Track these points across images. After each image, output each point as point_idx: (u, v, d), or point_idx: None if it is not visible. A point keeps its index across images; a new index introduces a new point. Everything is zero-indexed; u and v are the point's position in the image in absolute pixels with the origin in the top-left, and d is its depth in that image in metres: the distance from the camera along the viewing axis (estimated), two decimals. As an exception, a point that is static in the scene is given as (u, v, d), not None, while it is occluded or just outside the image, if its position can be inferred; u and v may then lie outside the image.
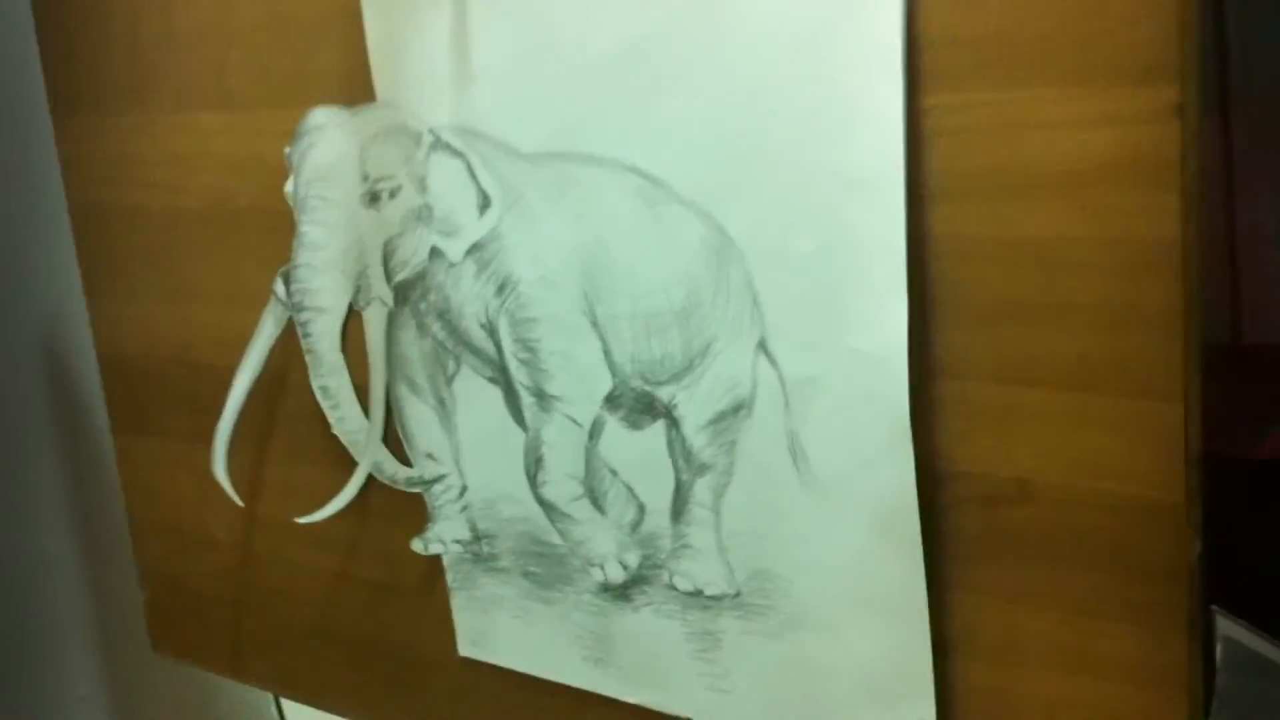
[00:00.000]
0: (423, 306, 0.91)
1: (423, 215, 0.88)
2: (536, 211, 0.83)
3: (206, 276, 1.06)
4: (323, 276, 0.88)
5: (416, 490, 0.95)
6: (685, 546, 0.83)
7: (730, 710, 0.84)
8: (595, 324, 0.82)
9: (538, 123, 0.82)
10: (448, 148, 0.86)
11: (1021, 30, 0.64)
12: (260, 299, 0.93)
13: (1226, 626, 0.71)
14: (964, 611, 0.74)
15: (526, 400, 0.87)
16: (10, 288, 1.30)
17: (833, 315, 0.72)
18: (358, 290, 0.89)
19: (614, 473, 0.86)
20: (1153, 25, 0.60)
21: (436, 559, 0.97)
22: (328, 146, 0.88)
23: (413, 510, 0.96)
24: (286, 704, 1.53)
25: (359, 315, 0.91)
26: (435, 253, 0.88)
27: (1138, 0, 0.60)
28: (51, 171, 1.16)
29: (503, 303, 0.86)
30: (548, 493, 0.88)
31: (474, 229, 0.86)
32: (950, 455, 0.72)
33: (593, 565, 0.88)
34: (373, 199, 0.87)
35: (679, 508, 0.83)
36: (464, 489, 0.94)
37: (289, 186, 0.90)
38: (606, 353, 0.83)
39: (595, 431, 0.85)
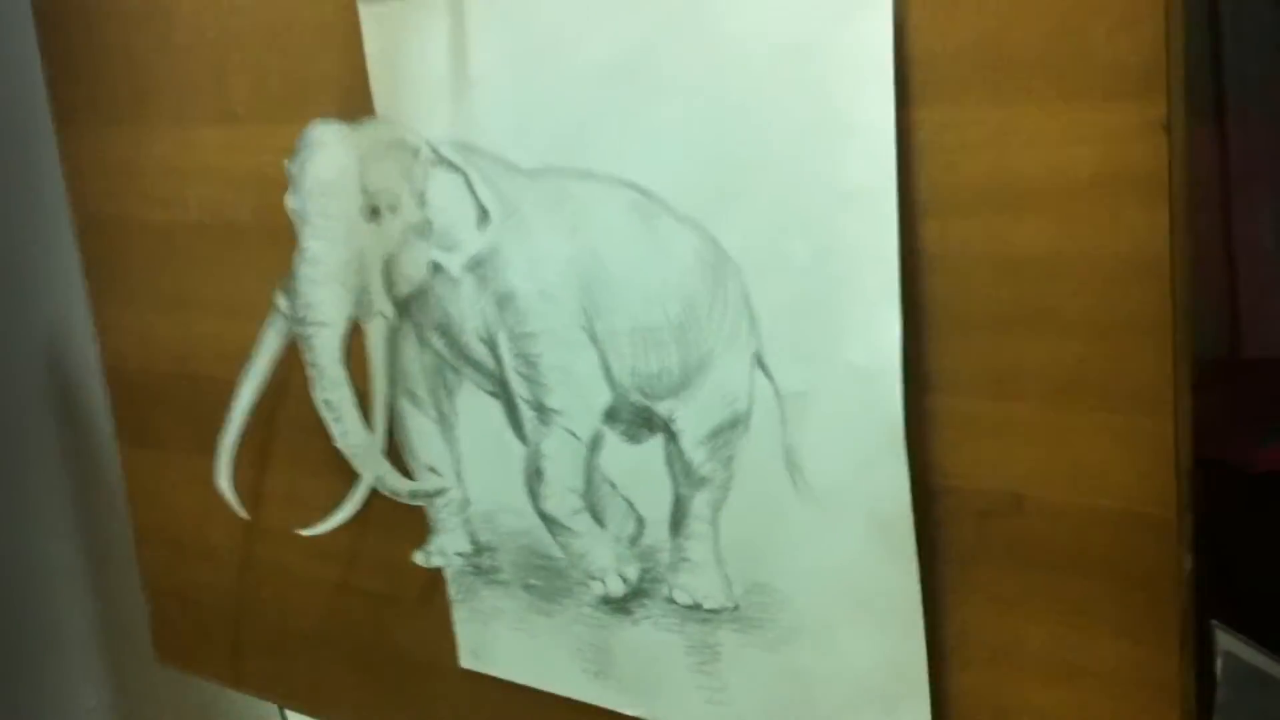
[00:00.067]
0: (424, 320, 0.92)
1: (422, 230, 0.89)
2: (534, 226, 0.84)
3: (207, 288, 1.07)
4: (324, 290, 0.89)
5: (418, 503, 0.96)
6: (684, 560, 0.84)
7: (728, 722, 0.85)
8: (594, 338, 0.83)
9: (533, 136, 0.82)
10: (446, 163, 0.86)
11: (1010, 46, 0.64)
12: (260, 311, 0.94)
13: (1226, 640, 0.71)
14: (959, 621, 0.74)
15: (527, 414, 0.88)
16: (15, 297, 1.31)
17: (827, 328, 0.73)
18: (359, 304, 0.90)
19: (613, 486, 0.86)
20: (1139, 42, 0.60)
21: (437, 570, 0.97)
22: (328, 161, 0.88)
23: (414, 522, 0.97)
24: (292, 715, 1.53)
25: (361, 329, 0.91)
26: (435, 267, 0.89)
27: (1125, 17, 0.61)
28: (56, 181, 1.16)
29: (502, 317, 0.87)
30: (548, 506, 0.89)
31: (473, 244, 0.86)
32: (944, 467, 0.72)
33: (593, 578, 0.88)
34: (373, 213, 0.88)
35: (678, 521, 0.83)
36: (465, 501, 0.94)
37: (290, 200, 0.91)
38: (605, 367, 0.83)
39: (595, 445, 0.86)
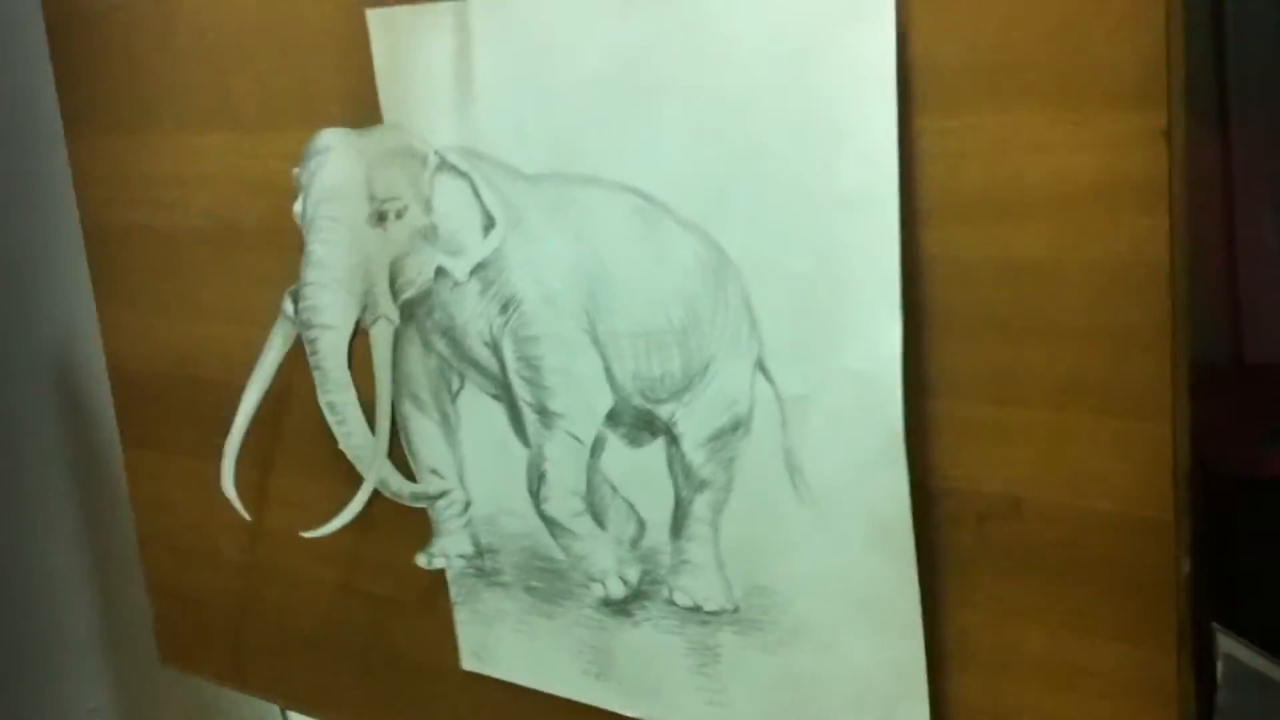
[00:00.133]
0: (428, 324, 0.92)
1: (428, 235, 0.89)
2: (538, 231, 0.84)
3: (210, 293, 1.08)
4: (330, 295, 0.89)
5: (421, 505, 0.96)
6: (684, 562, 0.84)
7: (728, 724, 0.85)
8: (596, 342, 0.83)
9: (537, 142, 0.83)
10: (453, 169, 0.87)
11: (1011, 55, 0.65)
12: (263, 316, 0.94)
13: (1227, 644, 0.71)
14: (958, 623, 0.74)
15: (529, 417, 0.88)
16: (21, 301, 1.31)
17: (828, 333, 0.73)
18: (364, 308, 0.90)
19: (615, 489, 0.87)
20: (1139, 50, 0.61)
21: (439, 572, 0.98)
22: (336, 167, 0.89)
23: (416, 525, 0.97)
24: (294, 716, 1.53)
25: (366, 333, 0.92)
26: (440, 272, 0.89)
27: (1125, 26, 0.61)
28: (63, 186, 1.17)
29: (506, 321, 0.87)
30: (550, 508, 0.89)
31: (478, 249, 0.87)
32: (943, 471, 0.72)
33: (594, 580, 0.88)
34: (380, 219, 0.88)
35: (678, 524, 0.84)
36: (467, 504, 0.94)
37: (297, 206, 0.91)
38: (608, 370, 0.84)
39: (597, 448, 0.86)
